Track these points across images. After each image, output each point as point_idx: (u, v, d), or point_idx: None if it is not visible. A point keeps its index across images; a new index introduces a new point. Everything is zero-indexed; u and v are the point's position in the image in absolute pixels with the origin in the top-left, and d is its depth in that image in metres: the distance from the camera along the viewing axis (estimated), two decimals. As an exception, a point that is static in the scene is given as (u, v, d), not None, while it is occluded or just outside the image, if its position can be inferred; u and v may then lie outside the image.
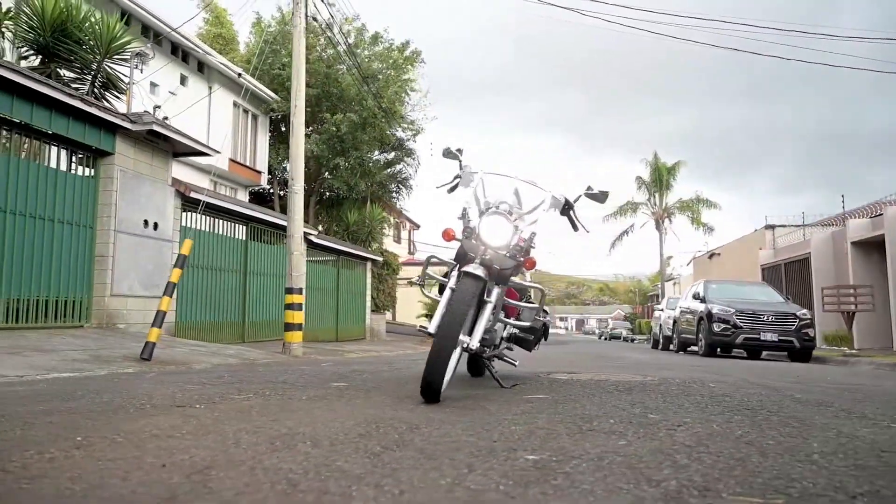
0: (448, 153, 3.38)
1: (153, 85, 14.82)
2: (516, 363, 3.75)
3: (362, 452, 1.63)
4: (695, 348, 12.38)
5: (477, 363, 4.24)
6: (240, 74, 16.71)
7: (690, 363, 7.75)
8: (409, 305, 31.05)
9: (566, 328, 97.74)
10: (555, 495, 1.22)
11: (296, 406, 2.59)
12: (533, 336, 4.05)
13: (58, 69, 9.31)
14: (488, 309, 2.95)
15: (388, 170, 21.33)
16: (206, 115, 16.84)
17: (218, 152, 10.06)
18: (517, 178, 3.38)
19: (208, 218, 10.67)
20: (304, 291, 10.19)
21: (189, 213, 10.14)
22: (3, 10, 9.36)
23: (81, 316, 8.09)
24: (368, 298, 18.63)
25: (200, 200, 10.05)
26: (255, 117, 19.38)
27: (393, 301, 20.95)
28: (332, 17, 15.24)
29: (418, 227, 51.00)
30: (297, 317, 9.19)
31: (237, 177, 18.47)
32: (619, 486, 1.30)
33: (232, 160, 18.15)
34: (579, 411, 2.55)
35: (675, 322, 13.99)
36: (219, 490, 1.24)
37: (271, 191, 21.51)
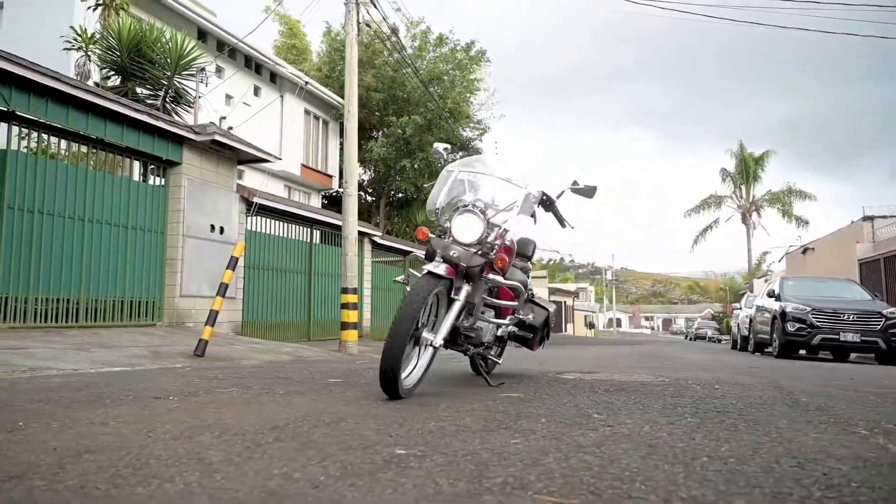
0: (436, 152, 3.41)
1: (228, 97, 15.71)
2: (499, 362, 3.72)
3: (250, 442, 1.74)
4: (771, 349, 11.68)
5: (476, 363, 4.24)
6: (306, 83, 17.37)
7: (750, 364, 7.32)
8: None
9: (652, 328, 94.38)
10: (362, 487, 1.27)
11: (263, 400, 2.73)
12: (533, 334, 4.00)
13: (134, 87, 10.09)
14: (455, 307, 2.95)
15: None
16: (279, 123, 17.64)
17: (279, 158, 10.52)
18: (492, 175, 3.35)
19: (273, 221, 11.19)
20: (358, 291, 10.57)
21: (254, 217, 10.69)
22: (89, 35, 10.26)
23: (154, 315, 8.71)
24: (437, 298, 18.87)
25: (265, 206, 10.58)
26: (325, 123, 20.08)
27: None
28: (388, 21, 15.51)
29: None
30: (352, 316, 9.45)
31: (310, 181, 19.24)
32: (437, 482, 1.32)
33: (304, 165, 18.92)
34: (524, 410, 2.54)
35: (750, 321, 13.23)
36: (70, 470, 1.36)
37: (341, 192, 22.21)
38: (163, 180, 9.03)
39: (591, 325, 48.90)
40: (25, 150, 7.18)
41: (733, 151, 33.99)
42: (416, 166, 19.40)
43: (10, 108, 6.70)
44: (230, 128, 10.86)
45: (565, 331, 44.34)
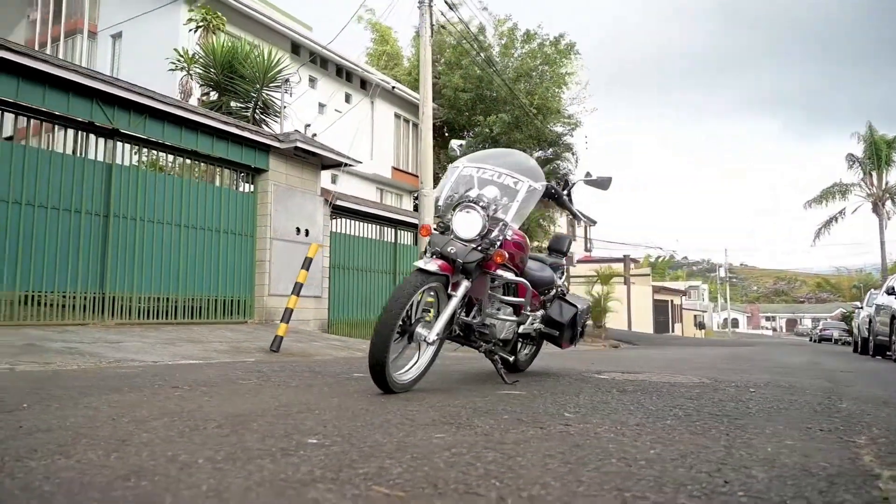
0: (451, 149, 3.39)
1: (321, 105, 16.44)
2: (511, 359, 3.62)
3: (188, 428, 1.84)
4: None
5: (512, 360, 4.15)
6: (393, 87, 17.80)
7: (843, 368, 6.62)
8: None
9: (774, 329, 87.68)
10: (220, 471, 1.31)
11: (265, 392, 2.84)
12: (560, 332, 3.86)
13: (229, 101, 10.83)
14: (452, 303, 2.93)
15: (546, 167, 21.12)
16: (370, 128, 18.23)
17: (359, 162, 10.88)
18: (495, 169, 3.26)
19: (358, 223, 11.59)
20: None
21: (338, 220, 11.13)
22: (191, 55, 11.14)
23: (245, 313, 9.31)
24: (527, 296, 18.71)
25: (348, 208, 10.99)
26: (415, 126, 20.48)
27: (554, 299, 20.77)
28: (464, 21, 15.53)
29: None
30: (430, 314, 9.59)
31: (401, 183, 19.71)
32: (297, 470, 1.34)
33: (395, 168, 19.42)
34: (498, 406, 2.50)
35: (870, 322, 11.93)
36: (21, 440, 1.50)
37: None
38: (252, 187, 9.63)
39: (700, 326, 46.25)
40: (130, 164, 7.93)
41: (861, 135, 30.84)
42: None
43: (113, 125, 7.43)
44: (314, 135, 11.37)
45: (672, 331, 42.26)
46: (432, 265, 2.82)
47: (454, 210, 3.04)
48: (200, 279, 8.59)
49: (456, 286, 2.94)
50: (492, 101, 19.36)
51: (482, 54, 19.78)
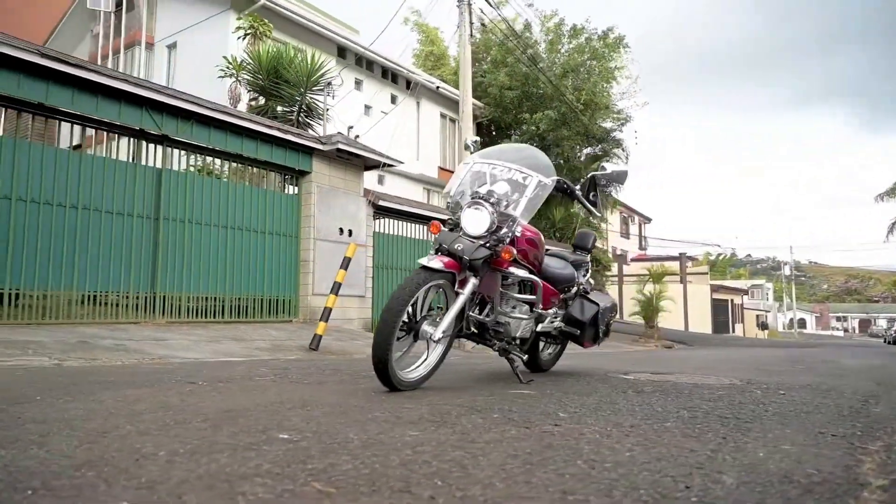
0: (465, 146, 3.38)
1: (367, 107, 16.68)
2: (524, 357, 3.54)
3: (173, 421, 1.90)
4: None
5: (532, 357, 4.10)
6: (437, 87, 17.85)
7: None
8: (626, 304, 29.70)
9: (845, 329, 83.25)
10: (175, 464, 1.33)
11: (271, 388, 2.90)
12: (580, 330, 3.77)
13: (275, 105, 11.13)
14: (458, 301, 2.90)
15: (596, 163, 20.75)
16: (416, 128, 18.36)
17: (400, 162, 10.97)
18: (505, 164, 3.22)
19: (401, 223, 11.69)
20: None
21: (381, 220, 11.26)
22: (239, 62, 11.51)
23: (290, 312, 9.55)
24: (575, 296, 18.43)
25: (391, 208, 11.11)
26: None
27: (604, 298, 20.33)
28: (498, 17, 15.41)
29: (649, 220, 48.39)
30: (470, 313, 9.58)
31: (446, 183, 19.79)
32: (247, 466, 1.34)
33: (441, 168, 19.49)
34: (495, 405, 2.46)
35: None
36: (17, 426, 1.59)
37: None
38: (296, 188, 9.86)
39: (763, 326, 44.35)
40: (179, 168, 8.27)
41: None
42: (551, 161, 19.11)
43: (161, 131, 7.76)
44: (357, 136, 11.54)
45: (733, 332, 40.72)
46: (436, 262, 2.81)
47: (463, 207, 3.04)
48: (247, 279, 8.86)
49: (464, 284, 2.93)
50: (538, 98, 19.18)
51: (528, 51, 19.62)
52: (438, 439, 1.70)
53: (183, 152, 8.30)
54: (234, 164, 9.05)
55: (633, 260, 40.53)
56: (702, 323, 34.68)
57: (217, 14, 13.08)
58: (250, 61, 10.87)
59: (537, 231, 3.49)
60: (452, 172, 20.13)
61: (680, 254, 36.29)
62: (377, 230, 11.14)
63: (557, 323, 3.77)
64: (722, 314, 39.50)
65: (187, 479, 1.21)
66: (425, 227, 12.33)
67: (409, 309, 2.82)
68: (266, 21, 12.16)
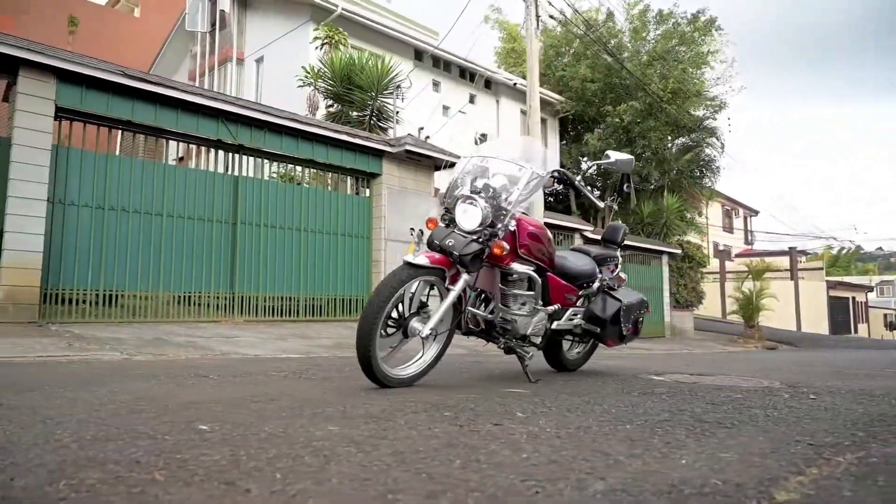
0: (475, 141, 3.31)
1: (445, 108, 16.80)
2: (530, 355, 3.37)
3: (153, 412, 1.98)
4: None
5: (554, 355, 3.93)
6: (515, 84, 17.64)
7: None
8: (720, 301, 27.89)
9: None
10: (73, 450, 1.37)
11: (278, 383, 2.97)
12: (601, 328, 3.55)
13: (349, 111, 11.47)
14: (448, 297, 2.84)
15: (687, 155, 19.66)
16: (495, 126, 18.26)
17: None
18: (501, 157, 3.10)
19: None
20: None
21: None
22: (316, 71, 11.97)
23: (360, 311, 9.80)
24: (666, 294, 17.53)
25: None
26: (543, 121, 20.15)
27: (698, 296, 19.16)
28: (570, 10, 14.88)
29: (756, 213, 45.23)
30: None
31: (529, 180, 19.54)
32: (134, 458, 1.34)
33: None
34: (468, 405, 2.39)
35: None
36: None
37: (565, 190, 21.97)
38: (367, 191, 10.12)
39: (891, 326, 40.12)
40: (254, 175, 8.72)
41: None
42: (637, 153, 18.31)
43: (236, 141, 8.22)
44: (427, 137, 11.65)
45: (855, 332, 37.17)
46: (421, 258, 2.79)
47: (457, 202, 2.99)
48: (320, 280, 9.20)
49: (456, 280, 2.89)
50: (622, 89, 18.47)
51: (612, 41, 18.97)
52: (351, 435, 1.68)
53: (257, 160, 8.75)
54: (311, 170, 9.41)
55: (737, 256, 38.07)
56: (816, 323, 31.94)
57: (298, 27, 13.69)
58: (324, 70, 11.27)
59: (541, 225, 3.36)
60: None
61: (790, 248, 33.66)
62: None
63: (577, 320, 3.60)
64: (841, 313, 36.16)
65: (62, 461, 1.27)
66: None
67: (399, 305, 2.81)
68: (341, 30, 12.56)
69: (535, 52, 10.03)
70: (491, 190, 2.97)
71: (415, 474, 1.30)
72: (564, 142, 21.51)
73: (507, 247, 2.92)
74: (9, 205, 6.27)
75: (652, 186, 19.70)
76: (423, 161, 10.53)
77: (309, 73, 11.78)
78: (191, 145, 8.40)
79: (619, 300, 3.62)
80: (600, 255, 3.86)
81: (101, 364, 4.15)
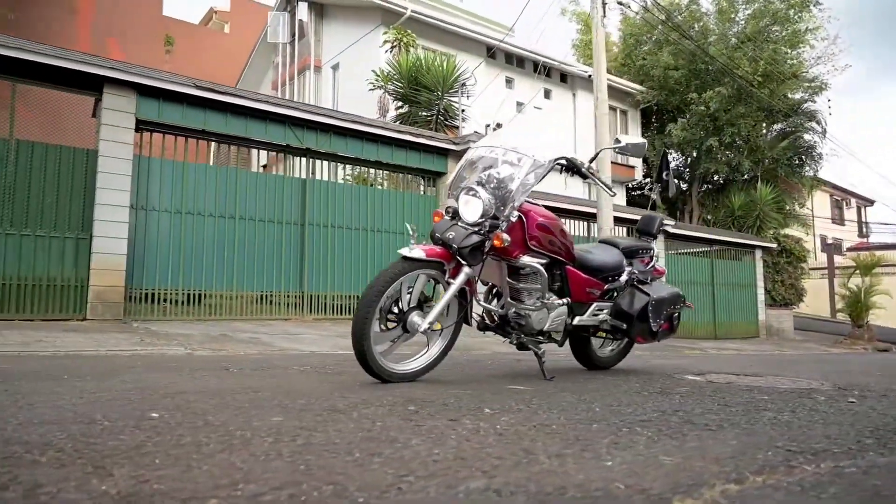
0: (489, 126, 3.21)
1: (519, 104, 16.61)
2: (541, 351, 3.19)
3: (124, 402, 2.00)
4: None
5: (582, 352, 3.72)
6: (589, 76, 17.12)
7: None
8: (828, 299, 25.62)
9: None
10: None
11: (288, 378, 3.02)
12: (628, 324, 3.31)
13: (418, 111, 11.59)
14: (449, 290, 2.77)
15: (784, 142, 18.30)
16: (572, 121, 17.83)
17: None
18: (503, 147, 2.96)
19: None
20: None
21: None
22: (385, 74, 12.19)
23: (430, 309, 9.86)
24: (760, 291, 16.39)
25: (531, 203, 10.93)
26: (623, 113, 19.46)
27: (798, 294, 17.72)
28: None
29: (871, 202, 41.36)
30: (611, 310, 9.07)
31: (610, 174, 18.90)
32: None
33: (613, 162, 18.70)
34: (455, 400, 2.31)
35: None
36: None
37: (648, 184, 21.10)
38: (434, 190, 10.17)
39: None
40: (321, 177, 8.99)
41: None
42: (726, 143, 17.27)
43: (303, 145, 8.51)
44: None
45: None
46: (417, 252, 2.75)
47: (459, 194, 2.91)
48: (387, 278, 9.33)
49: (457, 273, 2.82)
50: (708, 74, 17.49)
51: (695, 25, 18.02)
52: (284, 426, 1.67)
53: (324, 162, 9.01)
54: (372, 170, 9.58)
55: (849, 250, 35.00)
56: (946, 322, 28.70)
57: (370, 32, 13.99)
58: (392, 72, 11.45)
59: (552, 216, 3.20)
60: (616, 164, 19.14)
61: (910, 240, 30.50)
62: (518, 227, 11.04)
63: (603, 316, 3.39)
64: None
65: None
66: (573, 221, 11.92)
67: (400, 300, 2.78)
68: (409, 32, 12.71)
69: (601, 42, 9.68)
70: (495, 181, 2.88)
71: (292, 465, 1.27)
72: (649, 134, 20.67)
73: (508, 238, 2.81)
74: (96, 212, 6.80)
75: (744, 177, 18.52)
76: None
77: (379, 76, 12.00)
78: (273, 153, 8.79)
79: (648, 294, 3.38)
80: (630, 247, 3.64)
81: (160, 358, 4.41)
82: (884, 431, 1.82)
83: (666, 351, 9.32)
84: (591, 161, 3.37)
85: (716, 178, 19.56)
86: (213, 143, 8.48)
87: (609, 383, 3.09)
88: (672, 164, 21.34)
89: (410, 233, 2.99)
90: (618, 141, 3.34)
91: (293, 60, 16.52)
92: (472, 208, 2.83)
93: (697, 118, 17.38)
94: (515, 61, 16.71)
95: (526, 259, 2.93)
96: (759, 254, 16.35)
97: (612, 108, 19.25)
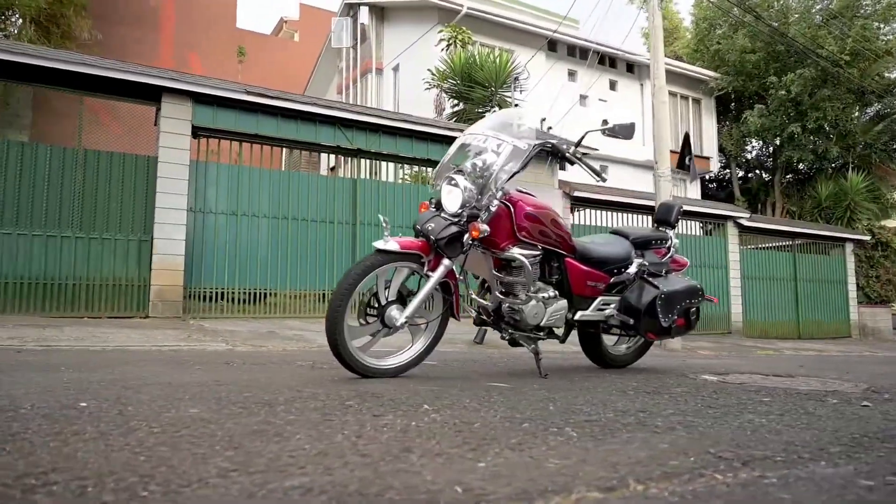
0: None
1: (582, 97, 16.18)
2: (531, 346, 3.02)
3: (120, 390, 2.00)
4: None
5: (593, 350, 3.49)
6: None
7: None
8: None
9: None
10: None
11: (270, 371, 3.04)
12: (635, 319, 3.05)
13: (473, 108, 11.50)
14: (428, 284, 2.67)
15: (879, 125, 16.79)
16: (640, 112, 17.16)
17: (595, 149, 10.34)
18: (485, 133, 2.80)
19: (602, 212, 11.08)
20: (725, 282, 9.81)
21: (582, 211, 10.82)
22: (441, 71, 12.18)
23: (484, 307, 9.76)
24: (851, 288, 15.12)
25: (586, 198, 10.62)
26: (696, 101, 18.52)
27: (896, 290, 16.22)
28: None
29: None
30: (672, 308, 8.63)
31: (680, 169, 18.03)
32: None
33: (673, 151, 17.85)
34: (413, 397, 2.22)
35: None
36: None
37: (727, 174, 19.97)
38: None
39: None
40: (369, 177, 9.09)
41: None
42: (811, 128, 16.05)
43: (353, 145, 8.63)
44: (550, 128, 11.27)
45: None
46: (392, 244, 2.69)
47: (442, 184, 2.82)
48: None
49: (437, 266, 2.73)
50: (789, 56, 16.34)
51: (775, 4, 16.89)
52: (196, 417, 1.65)
53: (374, 162, 9.11)
54: (421, 168, 9.59)
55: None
56: None
57: (427, 31, 14.04)
58: (445, 69, 11.42)
59: (543, 204, 3.03)
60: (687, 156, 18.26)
61: None
62: (576, 222, 10.73)
63: (610, 311, 3.17)
64: None
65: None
66: (634, 216, 11.46)
67: (378, 293, 2.73)
68: (464, 29, 12.64)
69: (659, 25, 9.20)
70: (478, 169, 2.77)
71: (131, 455, 1.25)
72: (726, 122, 19.58)
73: (486, 229, 2.69)
74: (157, 215, 7.18)
75: (832, 165, 17.17)
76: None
77: (435, 74, 12.02)
78: (338, 156, 8.97)
79: (657, 287, 3.14)
80: (642, 238, 3.39)
81: (188, 353, 4.57)
82: (870, 438, 1.58)
83: (731, 351, 8.76)
84: (576, 145, 3.19)
85: (800, 166, 18.26)
86: (284, 150, 8.76)
87: (605, 382, 2.90)
88: (753, 154, 20.13)
89: (384, 225, 2.93)
90: (605, 122, 3.16)
91: (356, 64, 16.85)
92: (452, 198, 2.74)
93: (778, 103, 16.28)
94: (578, 53, 16.28)
95: (515, 251, 2.80)
96: (849, 247, 15.10)
97: (684, 97, 18.38)
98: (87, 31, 15.52)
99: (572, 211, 10.61)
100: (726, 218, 12.77)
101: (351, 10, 16.59)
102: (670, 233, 3.51)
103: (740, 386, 2.81)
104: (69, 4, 14.64)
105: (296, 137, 8.25)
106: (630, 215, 11.32)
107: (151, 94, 7.38)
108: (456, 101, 11.74)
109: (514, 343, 3.03)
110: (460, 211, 2.72)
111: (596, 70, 16.38)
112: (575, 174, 15.52)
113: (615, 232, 3.46)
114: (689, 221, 12.38)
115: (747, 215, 12.98)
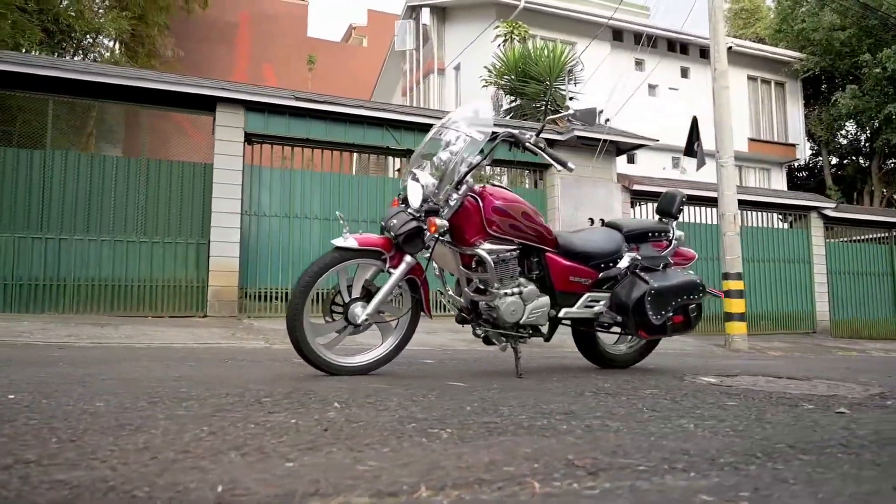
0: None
1: (651, 87, 15.54)
2: (503, 344, 2.89)
3: (109, 384, 2.09)
4: None
5: (589, 349, 3.25)
6: (730, 48, 15.42)
7: None
8: None
9: None
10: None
11: (259, 368, 3.07)
12: (624, 317, 2.82)
13: (529, 103, 11.32)
14: (390, 281, 2.65)
15: None
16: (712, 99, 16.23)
17: (655, 140, 9.88)
18: (447, 126, 2.68)
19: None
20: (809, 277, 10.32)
21: (641, 206, 10.37)
22: (497, 68, 12.08)
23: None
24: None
25: (648, 192, 10.18)
26: (779, 85, 17.29)
27: None
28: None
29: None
30: (737, 305, 8.09)
31: (764, 156, 16.90)
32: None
33: (752, 139, 16.77)
34: (360, 396, 2.16)
35: None
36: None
37: (818, 161, 18.52)
38: (542, 182, 9.86)
39: None
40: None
41: None
42: (911, 109, 14.62)
43: (401, 146, 8.70)
44: (607, 120, 10.87)
45: None
46: (350, 241, 2.65)
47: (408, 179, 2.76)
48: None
49: (399, 262, 2.68)
50: (884, 30, 14.94)
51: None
52: (115, 412, 1.68)
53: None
54: (494, 168, 9.53)
55: None
56: None
57: (485, 29, 13.94)
58: (500, 65, 11.30)
59: (513, 197, 2.87)
60: (769, 143, 17.15)
61: None
62: (637, 216, 10.30)
63: (599, 307, 2.96)
64: None
65: None
66: (699, 209, 10.84)
67: (341, 290, 2.71)
68: (520, 23, 12.45)
69: (719, 7, 8.68)
70: (441, 162, 2.69)
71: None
72: (815, 106, 18.18)
73: (445, 224, 2.62)
74: (213, 219, 7.54)
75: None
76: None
77: (492, 71, 11.93)
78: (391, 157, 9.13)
79: (647, 282, 2.90)
80: (637, 230, 3.15)
81: (219, 349, 4.77)
82: (791, 448, 1.37)
83: (806, 351, 8.12)
84: (537, 134, 3.02)
85: (901, 150, 16.66)
86: (354, 154, 8.99)
87: (579, 383, 2.70)
88: (847, 139, 18.59)
89: (341, 221, 2.92)
90: (567, 108, 2.98)
91: (419, 66, 17.02)
92: (415, 193, 2.68)
93: (873, 82, 14.93)
94: (646, 41, 15.63)
95: (485, 246, 2.69)
96: (960, 238, 13.59)
97: (766, 81, 17.23)
98: (171, 49, 16.58)
99: (633, 205, 10.19)
100: (809, 209, 11.84)
101: (413, 13, 16.77)
102: (673, 224, 3.27)
103: (726, 389, 2.56)
104: (153, 25, 15.66)
105: (345, 140, 8.42)
106: (697, 208, 10.73)
107: (208, 105, 7.76)
108: (512, 98, 11.59)
109: (487, 342, 2.93)
110: (422, 206, 2.67)
111: (665, 57, 15.67)
112: (640, 167, 14.92)
113: (608, 224, 3.26)
114: (767, 213, 11.58)
115: (833, 205, 11.98)
